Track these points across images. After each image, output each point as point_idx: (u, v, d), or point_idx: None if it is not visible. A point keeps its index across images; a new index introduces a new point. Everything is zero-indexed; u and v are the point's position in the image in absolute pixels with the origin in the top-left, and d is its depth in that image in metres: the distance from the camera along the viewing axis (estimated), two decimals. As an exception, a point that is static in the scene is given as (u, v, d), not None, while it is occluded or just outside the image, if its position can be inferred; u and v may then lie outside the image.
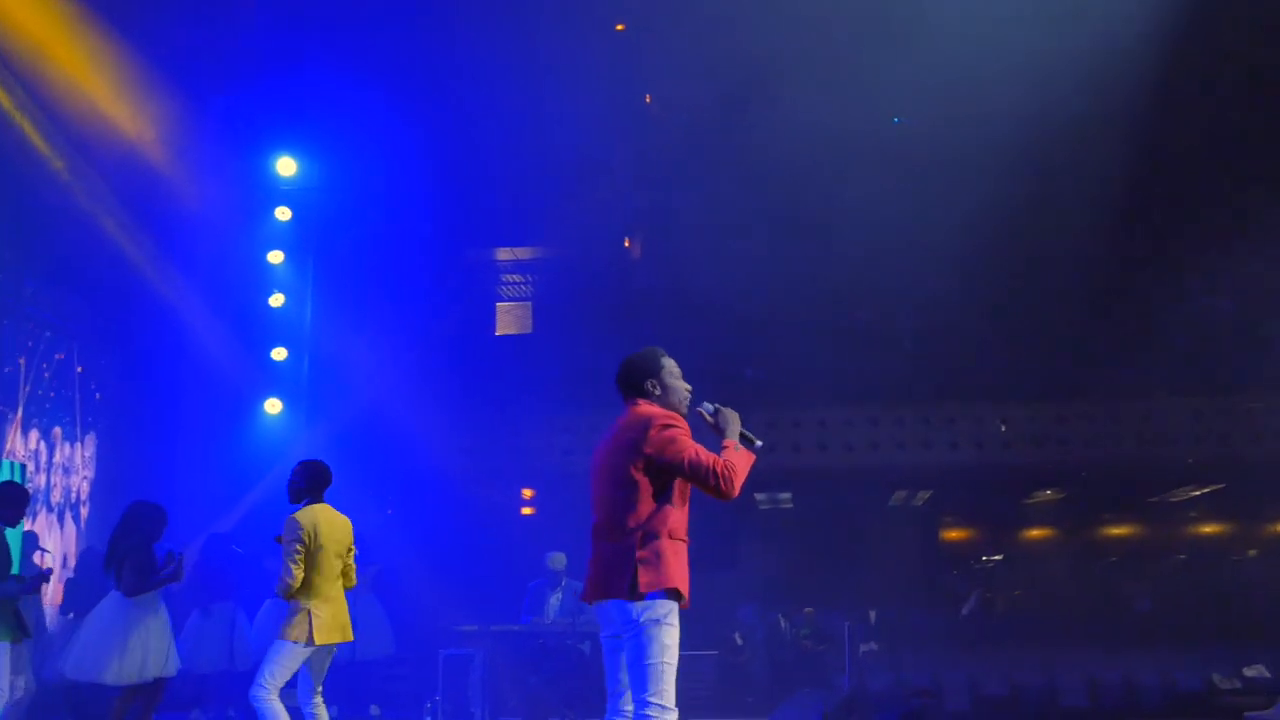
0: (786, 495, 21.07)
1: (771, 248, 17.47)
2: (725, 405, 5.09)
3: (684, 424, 4.94)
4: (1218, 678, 20.33)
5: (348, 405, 15.41)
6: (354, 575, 7.64)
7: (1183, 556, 23.83)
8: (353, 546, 7.61)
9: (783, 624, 20.24)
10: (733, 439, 4.99)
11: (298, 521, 7.29)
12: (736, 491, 4.86)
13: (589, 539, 5.06)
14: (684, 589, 4.81)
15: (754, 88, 16.93)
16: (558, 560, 11.54)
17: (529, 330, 23.19)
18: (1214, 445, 18.76)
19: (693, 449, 4.83)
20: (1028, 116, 14.81)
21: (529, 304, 23.62)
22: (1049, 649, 20.46)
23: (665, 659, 4.69)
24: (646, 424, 4.86)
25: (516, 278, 23.25)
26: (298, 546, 7.20)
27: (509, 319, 23.85)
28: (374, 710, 12.47)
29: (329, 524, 7.38)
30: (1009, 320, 17.32)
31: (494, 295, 23.31)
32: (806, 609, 19.74)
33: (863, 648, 22.00)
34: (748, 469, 4.93)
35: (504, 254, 22.52)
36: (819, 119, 16.10)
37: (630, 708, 4.75)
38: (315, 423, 15.20)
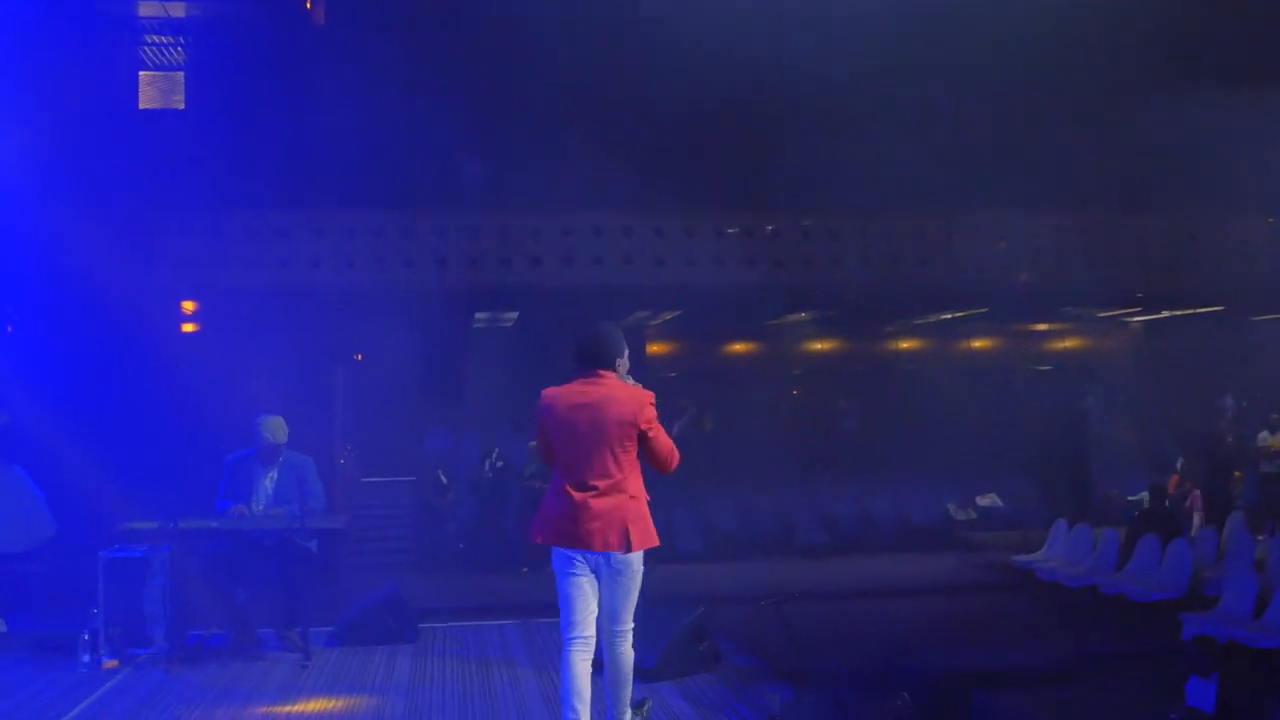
0: (511, 315, 18.19)
1: (514, 16, 14.16)
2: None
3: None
4: (953, 508, 19.63)
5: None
6: None
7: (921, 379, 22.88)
8: None
9: (489, 461, 17.66)
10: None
11: None
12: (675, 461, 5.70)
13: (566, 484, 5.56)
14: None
15: None
16: (276, 428, 8.27)
17: (180, 104, 19.08)
18: (970, 269, 17.32)
19: (662, 430, 5.65)
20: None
21: (181, 74, 19.40)
22: (776, 477, 19.10)
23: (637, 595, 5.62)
24: (642, 401, 5.56)
25: (165, 39, 18.87)
26: None
27: (155, 91, 19.59)
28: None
29: None
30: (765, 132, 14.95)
31: (137, 61, 18.91)
32: (531, 443, 17.18)
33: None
34: None
35: (149, 9, 18.09)
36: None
37: (590, 631, 5.57)
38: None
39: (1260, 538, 15.00)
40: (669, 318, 18.68)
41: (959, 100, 15.71)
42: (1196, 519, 16.66)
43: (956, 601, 13.60)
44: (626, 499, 5.46)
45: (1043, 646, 8.80)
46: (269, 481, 8.29)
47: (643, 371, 19.40)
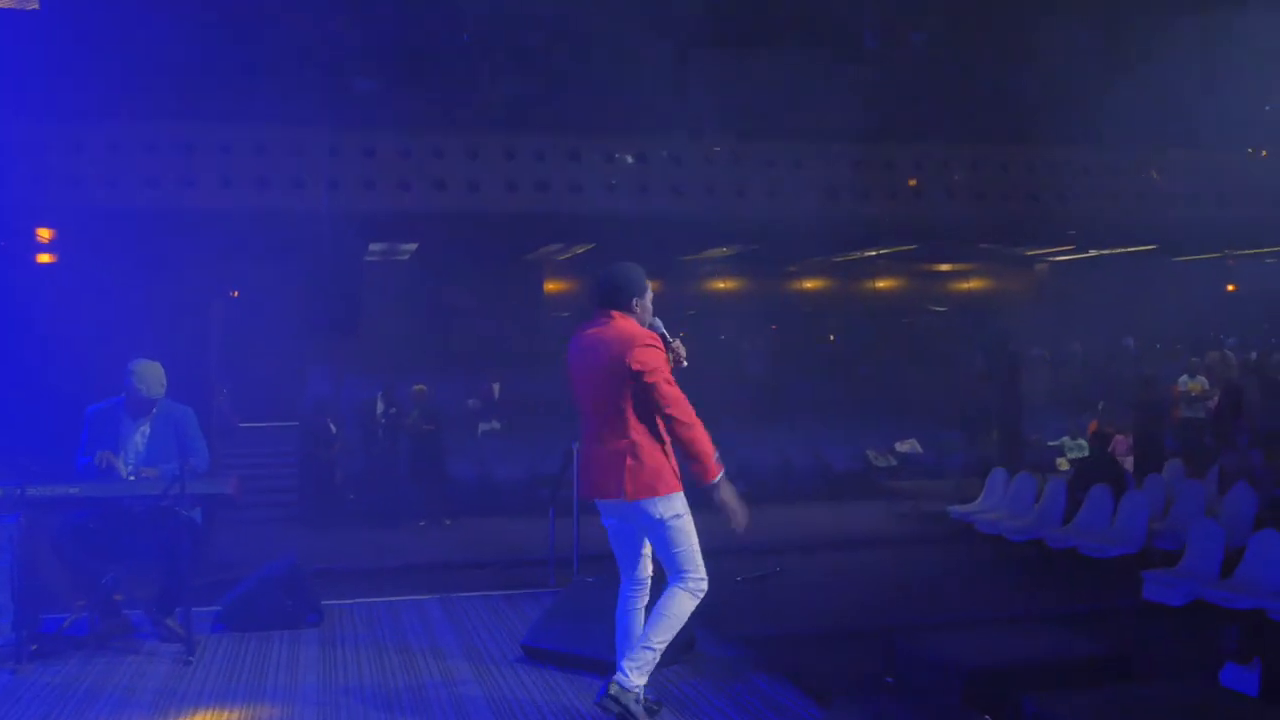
0: (410, 246, 16.71)
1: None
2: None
3: (661, 345, 5.26)
4: (873, 454, 18.83)
5: None
6: None
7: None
8: None
9: (383, 407, 16.43)
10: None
11: None
12: (681, 429, 5.08)
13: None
14: (677, 482, 5.20)
15: None
16: (151, 377, 6.85)
17: (34, 4, 17.17)
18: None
19: (666, 375, 5.15)
20: None
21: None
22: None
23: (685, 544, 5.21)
24: (632, 341, 5.17)
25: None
26: None
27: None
28: None
29: None
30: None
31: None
32: (416, 386, 16.00)
33: (483, 427, 18.77)
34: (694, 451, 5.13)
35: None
36: None
37: (641, 575, 5.41)
38: None
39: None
40: (580, 251, 17.38)
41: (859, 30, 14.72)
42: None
43: (907, 556, 12.84)
44: (627, 444, 5.14)
45: (1053, 624, 7.77)
46: (140, 437, 6.88)
47: (539, 311, 18.16)
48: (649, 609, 5.32)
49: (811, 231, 16.56)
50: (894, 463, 18.23)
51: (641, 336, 5.18)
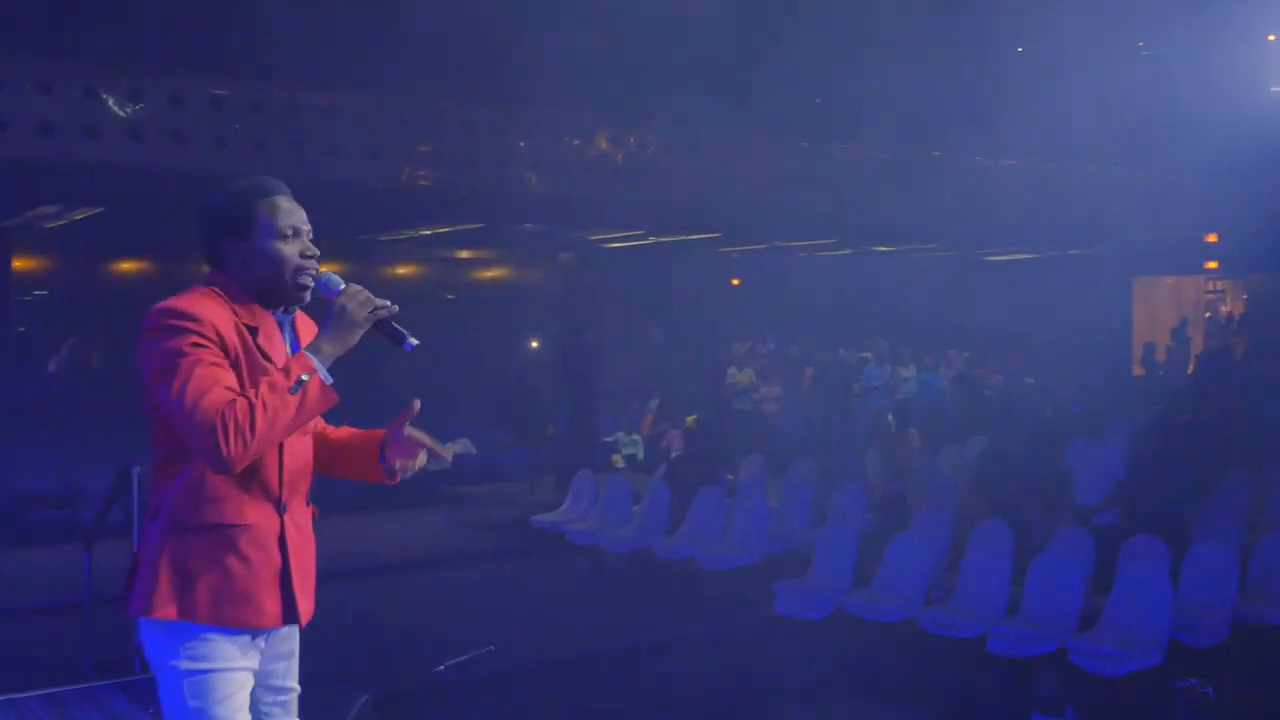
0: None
1: None
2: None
3: (200, 320, 2.75)
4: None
5: None
6: None
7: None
8: None
9: None
10: (333, 346, 2.83)
11: None
12: (242, 456, 2.65)
13: None
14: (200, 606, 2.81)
15: None
16: None
17: None
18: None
19: (183, 376, 2.67)
20: None
21: None
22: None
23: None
24: (140, 334, 2.80)
25: None
26: None
27: None
28: None
29: None
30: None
31: None
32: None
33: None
34: (301, 415, 2.75)
35: None
36: None
37: None
38: None
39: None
40: (80, 216, 14.13)
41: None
42: (676, 460, 15.43)
43: (500, 574, 11.28)
44: (149, 524, 2.92)
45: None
46: None
47: (7, 291, 14.70)
48: None
49: (374, 201, 14.49)
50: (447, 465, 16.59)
51: (155, 314, 2.78)
